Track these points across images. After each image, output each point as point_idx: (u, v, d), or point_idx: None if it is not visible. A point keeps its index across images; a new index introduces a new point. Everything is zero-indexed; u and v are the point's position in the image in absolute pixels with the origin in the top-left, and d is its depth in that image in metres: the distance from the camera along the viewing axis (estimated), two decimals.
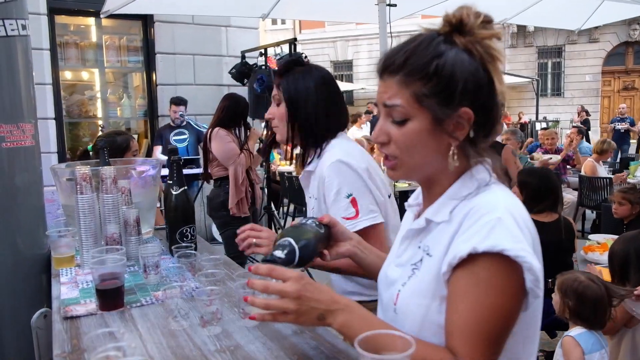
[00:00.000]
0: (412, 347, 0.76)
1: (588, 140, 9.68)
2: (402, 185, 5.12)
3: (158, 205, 2.24)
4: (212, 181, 4.21)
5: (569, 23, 5.87)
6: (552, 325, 2.81)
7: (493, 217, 0.86)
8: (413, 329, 0.94)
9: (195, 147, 5.61)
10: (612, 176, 5.79)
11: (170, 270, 1.57)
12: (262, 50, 6.45)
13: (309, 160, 1.63)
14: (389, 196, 1.62)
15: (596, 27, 16.38)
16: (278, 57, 6.12)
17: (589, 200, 5.71)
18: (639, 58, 18.60)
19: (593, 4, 4.87)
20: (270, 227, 5.40)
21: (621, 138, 11.05)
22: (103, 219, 1.67)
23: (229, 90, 5.67)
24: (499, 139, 6.87)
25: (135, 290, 1.43)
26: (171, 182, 1.70)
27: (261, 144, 4.81)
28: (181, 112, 5.65)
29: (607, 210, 3.89)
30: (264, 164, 6.04)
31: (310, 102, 1.57)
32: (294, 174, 6.92)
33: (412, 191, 1.13)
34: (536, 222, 2.80)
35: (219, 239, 4.24)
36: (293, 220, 6.97)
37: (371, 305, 1.10)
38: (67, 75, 6.62)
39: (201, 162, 5.35)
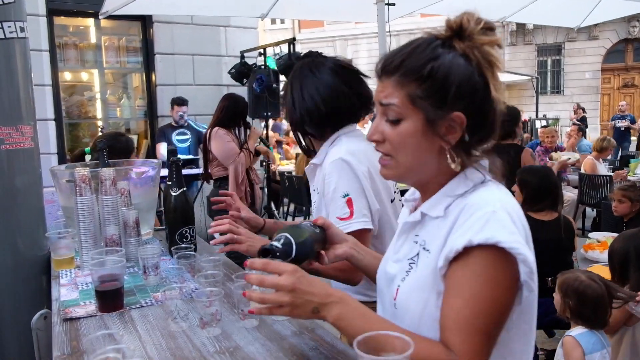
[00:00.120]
0: (410, 348, 0.76)
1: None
2: (403, 186, 5.12)
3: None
4: (211, 181, 4.21)
5: (568, 21, 5.86)
6: (552, 324, 2.81)
7: (488, 210, 0.88)
8: (412, 324, 0.95)
9: (196, 148, 5.61)
10: (612, 174, 5.79)
11: (169, 271, 1.57)
12: (262, 50, 6.45)
13: (319, 152, 1.61)
14: (392, 200, 1.59)
15: (596, 25, 16.36)
16: (277, 56, 6.12)
17: (589, 198, 5.71)
18: (639, 55, 18.58)
19: (592, 1, 4.87)
20: None
21: (622, 136, 11.03)
22: (102, 220, 1.68)
23: (228, 90, 5.67)
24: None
25: (134, 292, 1.43)
26: (170, 183, 1.70)
27: (261, 143, 4.81)
28: (181, 113, 5.66)
29: (607, 208, 3.88)
30: (263, 163, 6.04)
31: (308, 96, 1.56)
32: (294, 173, 6.92)
33: None
34: (536, 221, 2.81)
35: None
36: (293, 220, 6.98)
37: (373, 305, 1.11)
38: (66, 76, 6.62)
39: (201, 162, 5.36)
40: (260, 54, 6.50)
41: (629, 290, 2.12)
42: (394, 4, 3.66)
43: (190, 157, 5.47)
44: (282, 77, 6.07)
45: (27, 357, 1.77)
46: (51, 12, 5.85)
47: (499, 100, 0.94)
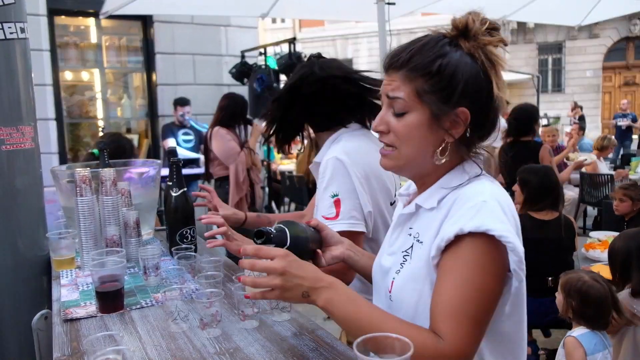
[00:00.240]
0: (410, 350, 0.76)
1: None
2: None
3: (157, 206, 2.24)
4: (212, 181, 4.21)
5: (569, 19, 5.86)
6: (551, 324, 2.80)
7: (479, 200, 0.91)
8: (407, 315, 0.96)
9: (198, 147, 5.62)
10: (613, 173, 5.78)
11: (170, 272, 1.57)
12: (262, 50, 6.45)
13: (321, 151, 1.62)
14: (392, 203, 1.57)
15: (596, 23, 16.32)
16: (278, 56, 6.12)
17: (590, 196, 5.70)
18: None
19: None
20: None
21: (623, 134, 11.00)
22: (103, 220, 1.68)
23: (229, 89, 5.67)
24: (500, 136, 6.86)
25: (135, 292, 1.43)
26: (171, 183, 1.70)
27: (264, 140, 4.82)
28: (182, 113, 5.66)
29: (608, 207, 3.87)
30: (264, 162, 6.04)
31: (301, 96, 1.58)
32: (295, 173, 6.92)
33: None
34: (536, 221, 2.80)
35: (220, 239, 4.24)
36: None
37: None
38: (67, 76, 6.62)
39: (201, 162, 5.36)
40: (260, 54, 6.50)
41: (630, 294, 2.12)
42: (394, 3, 3.66)
43: (191, 156, 5.48)
44: (283, 77, 6.07)
45: (28, 357, 1.78)
46: (52, 12, 5.86)
47: (501, 99, 0.97)
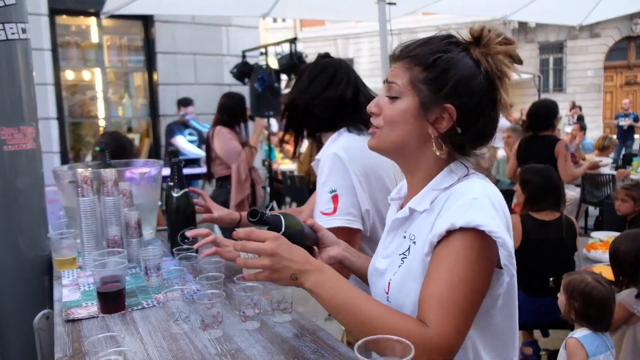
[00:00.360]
0: (411, 353, 0.76)
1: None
2: None
3: (159, 204, 2.24)
4: (213, 181, 4.21)
5: (570, 18, 5.85)
6: (552, 324, 2.80)
7: (470, 197, 0.93)
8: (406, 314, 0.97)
9: (201, 147, 5.63)
10: (615, 172, 5.77)
11: (171, 272, 1.57)
12: (263, 50, 6.45)
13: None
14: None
15: (598, 22, 16.30)
16: (279, 56, 6.12)
17: (592, 196, 5.69)
18: None
19: None
20: None
21: (625, 134, 10.99)
22: (104, 221, 1.68)
23: (230, 89, 5.68)
24: (500, 135, 6.86)
25: (136, 293, 1.43)
26: (172, 184, 1.70)
27: (268, 135, 4.82)
28: (182, 113, 5.67)
29: (609, 207, 3.87)
30: (265, 162, 6.04)
31: (306, 94, 1.60)
32: (296, 172, 6.92)
33: None
34: (537, 221, 2.78)
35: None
36: None
37: None
38: (68, 75, 6.63)
39: (202, 161, 5.37)
40: (261, 54, 6.51)
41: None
42: (394, 3, 3.66)
43: (199, 154, 5.49)
44: (284, 76, 6.07)
45: (29, 357, 1.78)
46: (53, 12, 5.87)
47: (509, 105, 0.99)
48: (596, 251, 2.89)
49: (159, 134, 6.63)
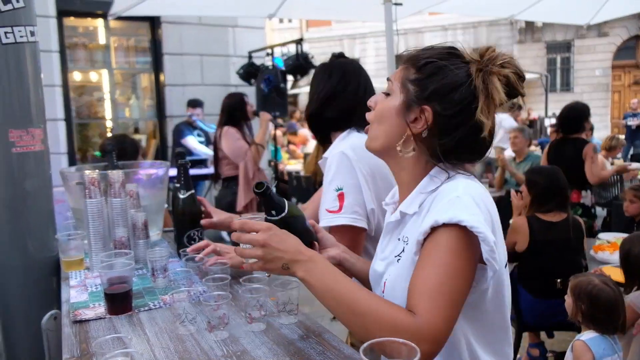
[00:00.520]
0: (417, 355, 0.76)
1: None
2: None
3: (166, 206, 2.25)
4: (220, 181, 4.22)
5: (577, 18, 5.81)
6: (558, 326, 2.79)
7: (453, 196, 0.97)
8: None
9: (208, 148, 5.65)
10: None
11: (178, 274, 1.58)
12: (269, 50, 6.46)
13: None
14: None
15: (606, 21, 16.20)
16: (285, 56, 6.13)
17: (600, 197, 5.65)
18: None
19: None
20: None
21: (633, 134, 10.90)
22: (111, 222, 1.69)
23: (236, 90, 5.70)
24: (504, 136, 6.83)
25: (143, 294, 1.44)
26: (179, 185, 1.71)
27: (274, 135, 4.81)
28: (189, 113, 5.68)
29: (617, 208, 3.84)
30: (272, 163, 6.05)
31: (319, 94, 1.62)
32: (303, 173, 6.93)
33: None
34: (544, 222, 2.77)
35: (227, 239, 4.26)
36: None
37: None
38: (76, 76, 6.67)
39: (209, 162, 5.38)
40: (268, 54, 6.52)
41: None
42: (401, 4, 3.65)
43: (209, 153, 5.51)
44: (290, 77, 6.08)
45: (37, 357, 1.79)
46: (61, 13, 5.91)
47: (484, 124, 1.00)
48: (604, 252, 2.87)
49: (165, 135, 6.66)
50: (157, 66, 6.67)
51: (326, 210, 1.47)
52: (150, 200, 1.94)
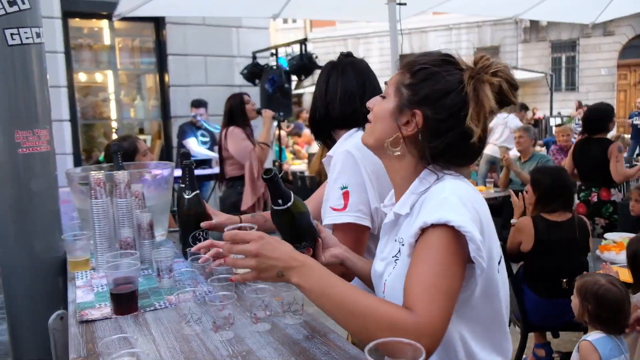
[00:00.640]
0: (422, 355, 0.76)
1: None
2: None
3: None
4: (225, 182, 4.23)
5: (583, 17, 5.78)
6: (564, 326, 2.78)
7: (440, 197, 1.00)
8: None
9: (213, 149, 5.65)
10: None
11: (183, 274, 1.58)
12: (273, 51, 6.46)
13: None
14: None
15: (611, 20, 16.12)
16: (289, 57, 6.13)
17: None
18: None
19: None
20: None
21: (639, 133, 10.84)
22: (117, 223, 1.70)
23: (240, 90, 5.71)
24: (509, 135, 6.80)
25: (149, 294, 1.45)
26: (184, 185, 1.72)
27: (279, 135, 4.79)
28: (193, 114, 5.69)
29: (623, 207, 3.83)
30: (276, 163, 6.06)
31: (326, 92, 1.63)
32: (307, 173, 6.93)
33: None
34: (549, 222, 2.75)
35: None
36: None
37: None
38: (81, 77, 6.70)
39: (214, 162, 5.39)
40: (272, 54, 6.52)
41: None
42: (405, 4, 3.64)
43: (210, 155, 5.51)
44: (294, 77, 6.08)
45: (44, 357, 1.80)
46: (66, 14, 5.93)
47: (473, 130, 1.03)
48: (609, 252, 2.86)
49: (170, 135, 6.68)
50: (161, 67, 6.69)
51: (331, 208, 1.48)
52: (155, 201, 1.95)
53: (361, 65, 1.68)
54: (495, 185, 5.29)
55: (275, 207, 1.15)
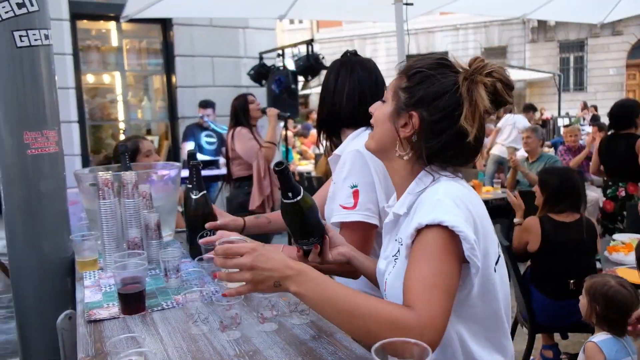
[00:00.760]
0: (429, 355, 0.76)
1: None
2: None
3: (179, 208, 2.27)
4: (232, 182, 4.24)
5: (591, 16, 5.74)
6: (573, 327, 2.76)
7: (434, 199, 1.03)
8: None
9: (220, 149, 5.65)
10: None
11: (190, 274, 1.59)
12: (280, 51, 6.47)
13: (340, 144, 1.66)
14: None
15: (620, 20, 16.00)
16: (296, 57, 6.14)
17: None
18: None
19: None
20: None
21: None
22: (125, 223, 1.71)
23: (247, 91, 5.72)
24: (517, 136, 6.77)
25: (156, 294, 1.46)
26: (191, 186, 1.72)
27: (285, 135, 4.79)
28: (201, 114, 5.70)
29: (632, 208, 3.80)
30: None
31: (336, 91, 1.64)
32: (314, 174, 6.93)
33: None
34: (557, 222, 2.73)
35: None
36: None
37: None
38: (89, 79, 6.74)
39: (221, 163, 5.40)
40: (278, 55, 6.53)
41: None
42: (411, 4, 3.64)
43: (210, 158, 5.52)
44: (301, 78, 6.08)
45: (53, 356, 1.82)
46: (74, 16, 5.97)
47: (468, 130, 1.05)
48: (618, 253, 2.84)
49: (177, 136, 6.70)
50: (168, 68, 6.72)
51: (340, 206, 1.49)
52: (163, 201, 1.96)
53: (369, 64, 1.68)
54: (503, 186, 5.26)
55: (285, 200, 1.17)
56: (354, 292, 0.98)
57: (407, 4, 3.63)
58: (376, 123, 1.18)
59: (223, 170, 4.90)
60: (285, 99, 5.70)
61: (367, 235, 1.49)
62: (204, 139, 5.65)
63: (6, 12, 1.70)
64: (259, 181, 3.96)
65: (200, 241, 1.55)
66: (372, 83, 1.64)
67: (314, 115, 10.33)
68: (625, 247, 2.86)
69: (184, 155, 5.49)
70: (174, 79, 6.70)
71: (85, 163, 6.13)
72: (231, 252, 1.04)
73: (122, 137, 6.71)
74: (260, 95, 4.59)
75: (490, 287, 1.07)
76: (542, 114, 14.13)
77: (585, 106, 13.06)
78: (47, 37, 1.80)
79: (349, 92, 1.63)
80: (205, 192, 1.73)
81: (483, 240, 1.03)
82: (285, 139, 5.86)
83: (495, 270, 1.08)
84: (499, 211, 4.52)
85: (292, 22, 20.12)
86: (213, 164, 5.50)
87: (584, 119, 11.90)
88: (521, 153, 5.89)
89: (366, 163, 1.49)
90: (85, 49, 6.48)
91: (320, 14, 6.30)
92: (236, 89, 6.60)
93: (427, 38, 19.15)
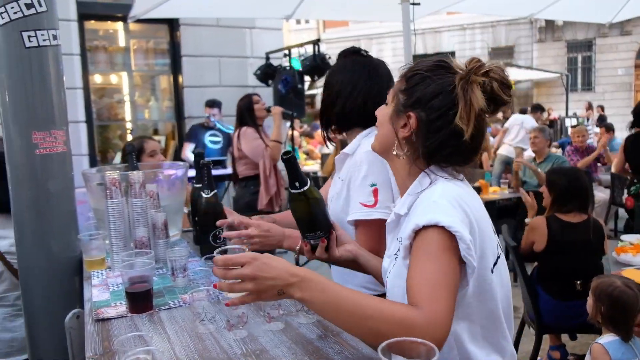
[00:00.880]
0: (436, 355, 0.76)
1: None
2: None
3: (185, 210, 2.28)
4: (238, 182, 4.25)
5: (599, 16, 5.71)
6: (579, 328, 2.74)
7: (430, 201, 1.06)
8: None
9: (227, 149, 5.66)
10: None
11: (197, 273, 1.60)
12: (287, 51, 6.48)
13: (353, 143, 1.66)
14: None
15: (628, 20, 15.88)
16: (302, 57, 6.14)
17: (622, 198, 5.55)
18: None
19: None
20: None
21: None
22: (132, 222, 1.71)
23: (254, 91, 5.74)
24: (524, 136, 6.74)
25: (163, 293, 1.46)
26: (201, 185, 1.73)
27: (291, 135, 4.79)
28: (208, 114, 5.71)
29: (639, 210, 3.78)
30: None
31: (345, 89, 1.64)
32: (320, 173, 6.94)
33: None
34: (564, 222, 2.72)
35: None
36: None
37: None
38: (96, 79, 6.77)
39: (227, 163, 5.41)
40: (285, 55, 6.54)
41: None
42: (418, 4, 3.63)
43: (217, 158, 5.52)
44: (307, 78, 6.09)
45: (61, 355, 1.83)
46: (82, 17, 6.00)
47: (463, 129, 1.07)
48: (626, 254, 2.82)
49: (184, 136, 6.72)
50: (175, 68, 6.74)
51: (361, 204, 1.51)
52: (170, 201, 1.97)
53: (377, 62, 1.70)
54: (510, 186, 5.24)
55: (292, 191, 1.19)
56: (359, 294, 0.99)
57: (414, 4, 3.62)
58: (379, 125, 1.22)
59: (229, 170, 4.91)
60: (292, 99, 5.71)
61: (384, 233, 1.51)
62: (207, 138, 5.66)
63: (15, 13, 1.71)
64: (265, 180, 3.97)
65: (225, 234, 1.56)
66: (387, 83, 1.65)
67: None
68: (634, 248, 2.84)
69: (184, 155, 5.50)
70: (180, 79, 6.72)
71: (93, 163, 6.17)
72: (232, 262, 1.02)
73: (129, 137, 6.74)
74: (266, 95, 4.60)
75: (486, 287, 1.08)
76: (549, 114, 14.05)
77: (589, 106, 12.98)
78: (55, 37, 1.81)
79: (365, 91, 1.62)
80: (216, 191, 1.74)
81: (480, 241, 1.05)
82: (292, 138, 5.86)
83: (492, 271, 1.09)
84: (506, 211, 4.51)
85: (298, 22, 20.13)
86: (219, 164, 5.51)
87: (588, 119, 11.84)
88: (528, 153, 5.86)
89: (383, 162, 1.50)
90: (93, 50, 6.51)
91: (326, 14, 6.29)
92: (243, 88, 6.61)
93: (434, 38, 19.10)
